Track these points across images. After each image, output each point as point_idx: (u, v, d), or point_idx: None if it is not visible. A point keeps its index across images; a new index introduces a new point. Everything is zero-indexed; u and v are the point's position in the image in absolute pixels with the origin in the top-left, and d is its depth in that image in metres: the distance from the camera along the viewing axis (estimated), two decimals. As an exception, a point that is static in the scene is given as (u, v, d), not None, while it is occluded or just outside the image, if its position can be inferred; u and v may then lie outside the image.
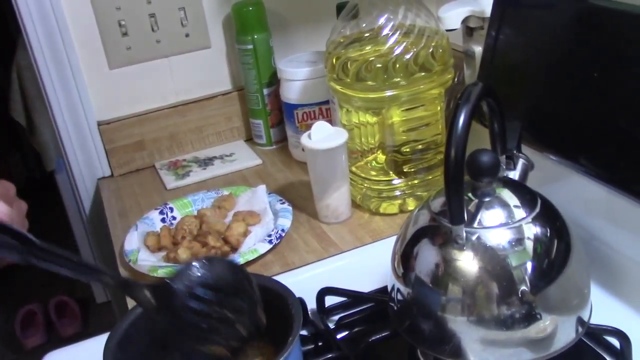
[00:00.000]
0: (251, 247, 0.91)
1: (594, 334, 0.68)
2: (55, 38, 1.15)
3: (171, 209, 1.04)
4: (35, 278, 2.51)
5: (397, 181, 0.97)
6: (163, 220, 1.03)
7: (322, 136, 0.93)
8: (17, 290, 2.47)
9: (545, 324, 0.62)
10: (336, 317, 0.79)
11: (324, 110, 1.15)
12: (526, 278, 0.61)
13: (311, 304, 0.78)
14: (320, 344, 0.74)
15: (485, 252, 0.61)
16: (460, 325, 0.62)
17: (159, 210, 1.04)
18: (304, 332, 0.76)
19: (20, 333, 2.14)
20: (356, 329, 0.77)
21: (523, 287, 0.61)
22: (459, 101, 0.59)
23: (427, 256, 0.64)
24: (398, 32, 0.91)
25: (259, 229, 0.97)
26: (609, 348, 0.68)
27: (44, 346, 2.12)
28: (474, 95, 0.60)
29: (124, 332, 0.65)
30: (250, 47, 1.20)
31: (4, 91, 2.28)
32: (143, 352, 0.66)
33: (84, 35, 1.18)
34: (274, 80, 1.23)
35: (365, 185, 0.99)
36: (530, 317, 0.61)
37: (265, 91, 1.24)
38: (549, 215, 0.65)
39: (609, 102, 0.71)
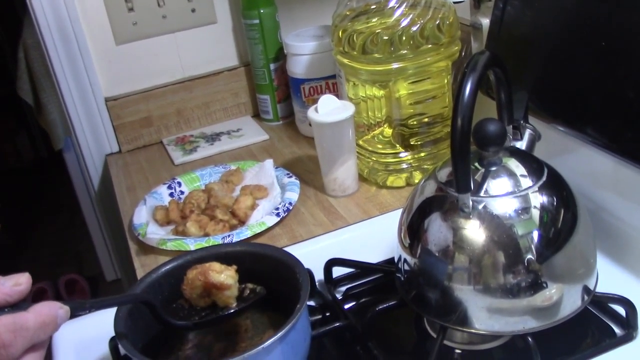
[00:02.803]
0: (259, 220, 0.92)
1: (600, 302, 0.68)
2: (62, 14, 1.15)
3: (179, 184, 1.05)
4: (45, 256, 2.54)
5: (404, 154, 0.97)
6: (171, 194, 1.03)
7: (328, 109, 0.93)
8: (27, 269, 2.47)
9: (551, 292, 0.62)
10: (343, 288, 0.80)
11: (330, 84, 1.15)
12: (532, 247, 0.61)
13: (319, 276, 0.79)
14: (328, 314, 0.75)
15: (491, 220, 0.62)
16: (466, 293, 0.62)
17: (167, 185, 1.04)
18: (311, 303, 0.77)
19: (31, 310, 2.16)
20: (363, 299, 0.77)
21: (529, 256, 0.61)
22: (466, 69, 0.59)
23: (434, 226, 0.64)
24: (405, 4, 0.91)
25: (266, 202, 0.97)
26: (615, 316, 0.68)
27: (55, 323, 2.14)
28: (481, 63, 0.60)
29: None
30: (257, 21, 1.19)
31: (11, 70, 2.28)
32: (152, 321, 0.67)
33: (90, 10, 1.18)
34: (281, 55, 1.23)
35: (373, 158, 1.00)
36: (536, 286, 0.61)
37: (272, 66, 1.23)
38: (555, 184, 0.65)
39: (616, 72, 0.71)
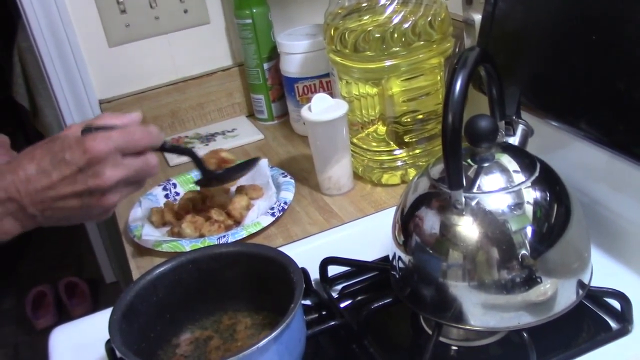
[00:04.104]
0: (254, 220, 0.92)
1: (595, 296, 0.68)
2: (54, 17, 1.15)
3: (174, 185, 1.05)
4: (44, 259, 2.54)
5: (398, 152, 0.97)
6: (166, 196, 1.03)
7: (322, 108, 0.93)
8: (27, 272, 2.49)
9: (546, 287, 0.62)
10: (339, 287, 0.79)
11: (324, 83, 1.15)
12: (526, 242, 0.61)
13: (314, 275, 0.79)
14: (323, 313, 0.75)
15: (484, 216, 0.62)
16: (461, 290, 0.62)
17: (162, 186, 1.04)
18: (307, 302, 0.77)
19: (31, 314, 2.16)
20: (359, 298, 0.77)
21: (523, 251, 0.61)
22: (456, 66, 0.59)
23: (427, 223, 0.64)
24: (396, 2, 0.91)
25: (261, 202, 0.97)
26: (610, 310, 0.68)
27: (55, 327, 2.14)
28: (471, 60, 0.60)
29: (128, 304, 0.66)
30: (249, 21, 1.19)
31: (7, 74, 2.28)
32: (148, 323, 0.68)
33: (82, 13, 1.18)
34: (274, 55, 1.23)
35: (367, 156, 0.99)
36: (530, 281, 0.61)
37: (266, 66, 1.23)
38: (548, 179, 0.65)
39: (607, 65, 0.71)
